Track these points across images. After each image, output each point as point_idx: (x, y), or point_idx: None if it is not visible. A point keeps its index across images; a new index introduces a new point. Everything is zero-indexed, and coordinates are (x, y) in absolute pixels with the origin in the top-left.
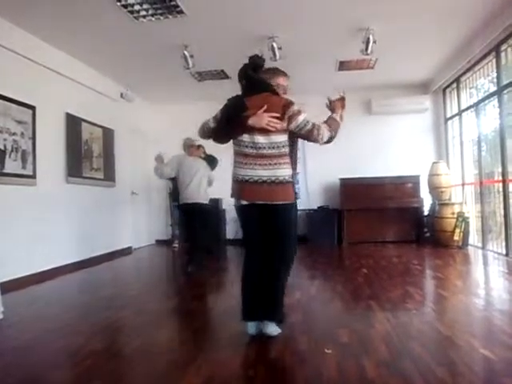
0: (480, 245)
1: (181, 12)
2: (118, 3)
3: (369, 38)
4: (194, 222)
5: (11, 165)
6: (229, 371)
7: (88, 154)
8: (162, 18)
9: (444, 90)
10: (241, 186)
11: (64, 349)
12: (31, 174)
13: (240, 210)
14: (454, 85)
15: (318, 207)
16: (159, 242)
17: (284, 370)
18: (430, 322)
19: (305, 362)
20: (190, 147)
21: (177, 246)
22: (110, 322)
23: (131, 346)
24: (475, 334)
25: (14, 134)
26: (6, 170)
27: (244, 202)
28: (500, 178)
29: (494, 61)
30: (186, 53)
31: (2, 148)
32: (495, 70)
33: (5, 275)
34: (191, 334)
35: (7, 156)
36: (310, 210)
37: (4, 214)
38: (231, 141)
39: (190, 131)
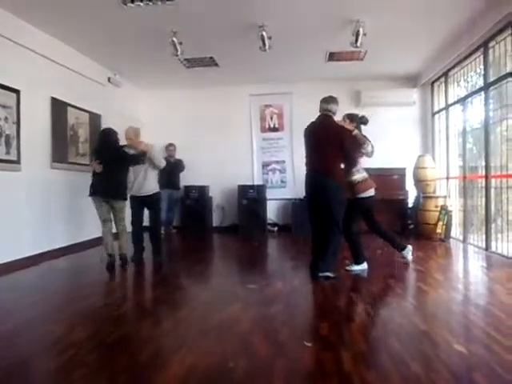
0: (461, 238)
1: None
2: None
3: (358, 31)
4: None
5: None
6: (211, 361)
7: (74, 139)
8: (150, 3)
9: (432, 84)
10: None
11: (47, 337)
12: (15, 159)
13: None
14: (442, 79)
15: (304, 197)
16: (145, 228)
17: (264, 361)
18: (408, 316)
19: (284, 354)
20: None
21: (163, 232)
22: (93, 310)
23: (115, 335)
24: (451, 329)
25: None
26: None
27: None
28: (483, 174)
29: (482, 57)
30: (174, 40)
31: None
32: (483, 66)
33: None
34: (175, 323)
35: None
36: (295, 199)
37: None
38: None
39: (181, 117)
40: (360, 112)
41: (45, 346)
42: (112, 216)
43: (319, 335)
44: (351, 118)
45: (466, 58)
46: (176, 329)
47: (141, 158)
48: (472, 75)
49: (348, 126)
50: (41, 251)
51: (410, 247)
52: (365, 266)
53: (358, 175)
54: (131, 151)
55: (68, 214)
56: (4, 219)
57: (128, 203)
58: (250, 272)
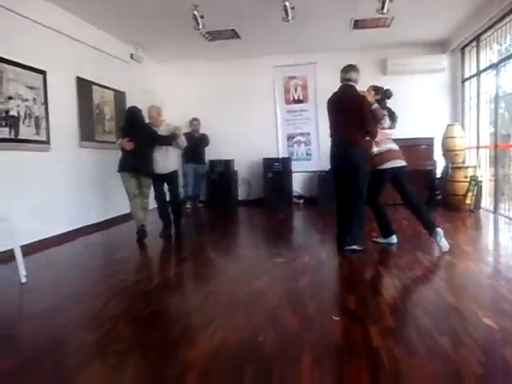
0: (492, 208)
1: None
2: None
3: None
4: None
5: (25, 131)
6: (240, 336)
7: (100, 118)
8: None
9: (463, 49)
10: None
11: (84, 313)
12: (45, 139)
13: None
14: (474, 43)
15: (330, 169)
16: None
17: (293, 335)
18: (436, 290)
19: (313, 328)
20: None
21: (189, 206)
22: (126, 287)
23: (147, 311)
24: (480, 303)
25: (26, 100)
26: (20, 137)
27: None
28: None
29: None
30: (195, 13)
31: (16, 114)
32: None
33: (23, 239)
34: (204, 298)
35: (21, 122)
36: (321, 171)
37: (21, 179)
38: None
39: (205, 90)
40: (387, 82)
41: (83, 321)
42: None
43: (347, 309)
44: (376, 89)
45: (499, 20)
46: (205, 304)
47: (172, 139)
48: (506, 39)
49: (372, 97)
50: (74, 228)
51: (439, 231)
52: (393, 239)
53: (376, 148)
54: (163, 132)
55: (98, 192)
56: (37, 198)
57: None
58: (276, 245)
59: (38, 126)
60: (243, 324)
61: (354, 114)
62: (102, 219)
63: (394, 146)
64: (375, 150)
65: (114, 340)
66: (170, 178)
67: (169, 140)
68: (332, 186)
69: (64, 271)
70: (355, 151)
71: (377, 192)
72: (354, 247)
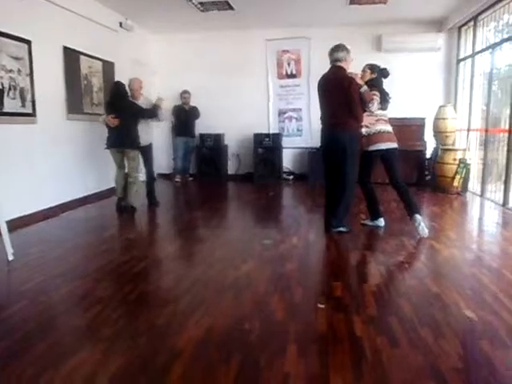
0: (479, 192)
1: None
2: None
3: None
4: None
5: (10, 103)
6: (227, 323)
7: (88, 89)
8: None
9: (459, 29)
10: None
11: (73, 294)
12: (31, 112)
13: None
14: (471, 23)
15: (320, 146)
16: (161, 176)
17: (278, 324)
18: (420, 278)
19: (298, 316)
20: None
21: (179, 180)
22: (114, 267)
23: (135, 293)
24: (462, 293)
25: (10, 71)
26: (5, 110)
27: None
28: (506, 128)
29: None
30: None
31: (0, 87)
32: None
33: (10, 213)
34: (191, 282)
35: (5, 94)
36: (312, 148)
37: (6, 153)
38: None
39: (196, 62)
40: (381, 60)
41: (72, 303)
42: (126, 164)
43: (332, 296)
44: (372, 68)
45: (499, 0)
46: (192, 288)
47: (157, 112)
48: (505, 19)
49: (368, 76)
50: (60, 202)
51: (418, 217)
52: (380, 222)
53: (364, 130)
54: (143, 106)
55: (85, 165)
56: (22, 172)
57: None
58: (265, 225)
59: (23, 98)
60: (230, 311)
61: (342, 96)
62: (91, 192)
63: (386, 128)
64: (364, 131)
65: (103, 324)
66: (147, 151)
67: (154, 113)
68: (322, 165)
69: (51, 248)
70: (344, 134)
71: (367, 172)
72: (341, 229)
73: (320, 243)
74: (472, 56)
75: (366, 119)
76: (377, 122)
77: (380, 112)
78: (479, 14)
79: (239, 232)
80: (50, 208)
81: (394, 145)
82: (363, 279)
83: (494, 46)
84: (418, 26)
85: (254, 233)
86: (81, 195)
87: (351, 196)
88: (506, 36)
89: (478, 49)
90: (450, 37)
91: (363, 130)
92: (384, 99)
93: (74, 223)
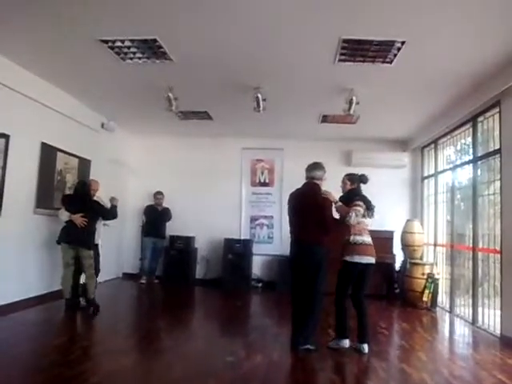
0: (448, 307)
1: (168, 58)
2: (105, 45)
3: (352, 99)
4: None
5: None
6: None
7: (60, 185)
8: (148, 61)
9: (422, 149)
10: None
11: None
12: None
13: None
14: (432, 145)
15: (289, 259)
16: (126, 276)
17: None
18: None
19: None
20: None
21: (144, 282)
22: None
23: None
24: None
25: None
26: None
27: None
28: (470, 245)
29: (471, 130)
30: (170, 95)
31: None
32: (471, 139)
33: None
34: None
35: None
36: (281, 255)
37: None
38: None
39: (172, 165)
40: (354, 171)
41: None
42: (78, 262)
43: None
44: (351, 179)
45: (455, 129)
46: None
47: (116, 212)
48: (462, 144)
49: (347, 187)
50: (16, 300)
51: (366, 348)
52: (345, 343)
53: (352, 237)
54: (108, 205)
55: (45, 262)
56: None
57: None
58: (230, 338)
59: None
60: None
61: (316, 213)
62: (48, 291)
63: (369, 240)
64: (350, 238)
65: None
66: (95, 250)
67: (116, 213)
68: (290, 275)
69: None
70: (317, 249)
71: (343, 286)
72: (308, 347)
73: (286, 363)
74: (435, 175)
75: (354, 228)
76: (363, 231)
77: (367, 220)
78: (439, 138)
79: (202, 344)
80: (6, 305)
81: (373, 260)
82: None
83: (453, 168)
84: (385, 144)
85: (217, 346)
86: (41, 292)
87: (319, 313)
88: (466, 159)
89: (440, 168)
90: (415, 156)
91: (350, 237)
92: (368, 207)
93: (21, 326)
